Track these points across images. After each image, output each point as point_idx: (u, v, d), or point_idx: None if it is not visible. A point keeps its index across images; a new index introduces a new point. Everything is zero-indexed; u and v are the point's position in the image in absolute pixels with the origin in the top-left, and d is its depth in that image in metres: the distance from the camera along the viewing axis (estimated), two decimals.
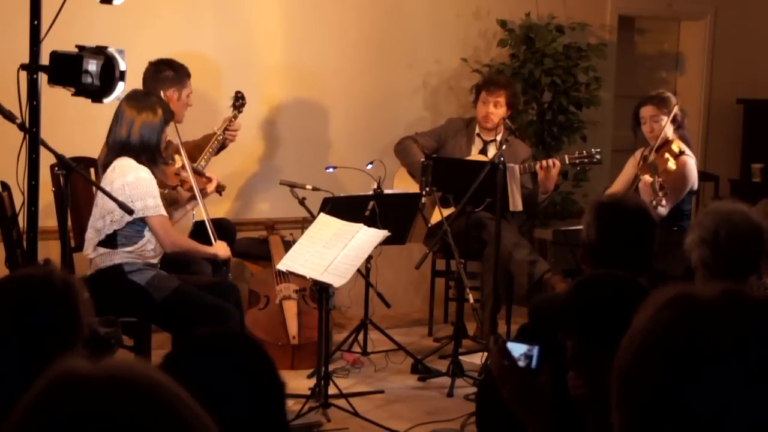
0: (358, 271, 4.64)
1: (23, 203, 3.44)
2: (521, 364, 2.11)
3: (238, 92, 5.37)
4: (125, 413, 0.96)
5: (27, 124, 3.38)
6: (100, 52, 3.46)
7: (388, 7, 6.46)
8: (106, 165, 4.43)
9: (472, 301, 4.90)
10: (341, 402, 4.51)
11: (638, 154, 5.49)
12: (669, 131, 5.33)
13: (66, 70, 3.39)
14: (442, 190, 5.29)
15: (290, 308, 5.42)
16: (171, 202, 4.75)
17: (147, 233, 4.39)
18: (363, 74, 6.41)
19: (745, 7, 7.81)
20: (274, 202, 6.08)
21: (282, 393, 1.68)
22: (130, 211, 4.12)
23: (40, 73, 3.37)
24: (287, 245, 5.29)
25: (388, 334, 5.36)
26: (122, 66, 3.49)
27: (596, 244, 3.17)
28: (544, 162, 5.59)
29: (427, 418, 4.55)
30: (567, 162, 5.68)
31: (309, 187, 5.20)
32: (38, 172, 3.40)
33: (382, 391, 4.96)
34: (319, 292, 4.55)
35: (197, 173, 4.92)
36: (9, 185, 4.17)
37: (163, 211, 4.40)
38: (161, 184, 4.60)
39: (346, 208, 4.83)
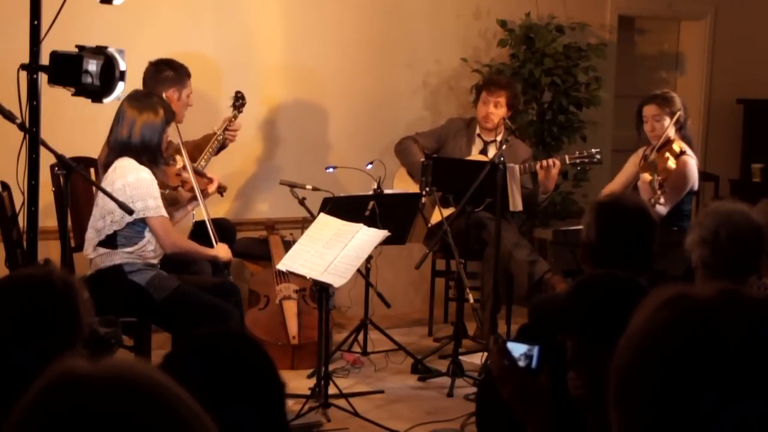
0: (358, 271, 4.64)
1: (23, 203, 3.44)
2: (521, 364, 2.11)
3: (238, 92, 5.37)
4: (125, 413, 0.96)
5: (27, 124, 3.38)
6: (100, 52, 3.46)
7: (388, 7, 6.46)
8: (107, 165, 4.43)
9: (472, 301, 4.90)
10: (341, 402, 4.51)
11: (640, 152, 5.49)
12: (671, 131, 5.33)
13: (66, 70, 3.39)
14: (442, 190, 5.29)
15: (290, 308, 5.42)
16: (172, 203, 4.75)
17: (147, 234, 4.39)
18: (363, 74, 6.41)
19: (745, 7, 7.81)
20: (274, 202, 6.08)
21: (282, 393, 1.68)
22: (130, 212, 4.12)
23: (40, 73, 3.37)
24: (287, 245, 5.29)
25: (388, 334, 5.36)
26: (122, 66, 3.49)
27: (596, 244, 3.17)
28: (544, 162, 5.59)
29: (427, 418, 4.55)
30: (567, 162, 5.68)
31: (309, 187, 5.20)
32: (38, 172, 3.40)
33: (382, 391, 4.96)
34: (319, 292, 4.55)
35: (198, 174, 4.92)
36: (9, 185, 4.17)
37: (164, 212, 4.40)
38: (162, 185, 4.60)
39: (346, 208, 4.83)
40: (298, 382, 4.91)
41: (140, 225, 4.37)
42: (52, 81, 3.41)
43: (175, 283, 4.38)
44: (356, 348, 5.55)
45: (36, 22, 3.36)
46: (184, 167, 4.78)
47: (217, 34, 5.96)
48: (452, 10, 6.66)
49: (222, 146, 5.33)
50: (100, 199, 4.37)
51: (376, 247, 4.62)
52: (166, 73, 5.03)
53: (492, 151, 5.69)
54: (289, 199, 5.13)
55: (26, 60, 3.38)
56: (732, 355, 1.08)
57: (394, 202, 5.17)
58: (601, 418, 1.17)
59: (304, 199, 5.06)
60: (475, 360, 5.25)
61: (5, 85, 3.52)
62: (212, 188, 4.93)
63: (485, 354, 5.08)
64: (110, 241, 4.37)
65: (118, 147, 4.40)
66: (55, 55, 3.38)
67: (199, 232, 4.89)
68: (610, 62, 7.05)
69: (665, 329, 1.12)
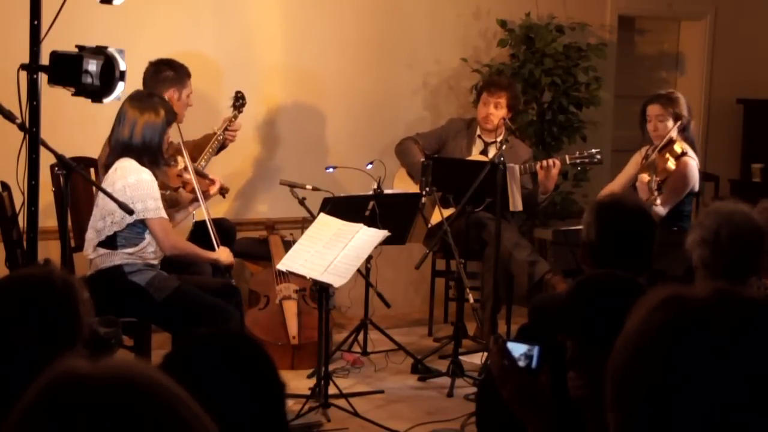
0: (358, 271, 4.64)
1: (23, 203, 3.44)
2: (521, 364, 2.11)
3: (238, 92, 5.37)
4: (125, 413, 0.96)
5: (27, 124, 3.38)
6: (100, 52, 3.46)
7: (388, 7, 6.46)
8: (108, 165, 4.43)
9: (472, 301, 4.90)
10: (341, 402, 4.51)
11: (642, 151, 5.49)
12: (673, 132, 5.33)
13: (66, 70, 3.39)
14: (442, 190, 5.29)
15: (290, 308, 5.42)
16: (172, 204, 4.75)
17: (147, 236, 4.38)
18: (363, 74, 6.42)
19: (745, 7, 7.81)
20: (274, 202, 6.08)
21: (282, 393, 1.68)
22: (130, 212, 4.12)
23: (40, 73, 3.37)
24: (287, 245, 5.29)
25: (388, 334, 5.36)
26: (122, 66, 3.49)
27: (596, 244, 3.17)
28: (544, 162, 5.59)
29: (427, 418, 4.55)
30: (567, 162, 5.68)
31: (309, 187, 5.20)
32: (38, 172, 3.40)
33: (382, 391, 4.96)
34: (319, 292, 4.55)
35: (200, 175, 4.91)
36: (9, 185, 4.17)
37: (164, 214, 4.39)
38: (163, 186, 4.60)
39: (346, 208, 4.83)
40: (298, 382, 4.91)
41: (140, 226, 4.37)
42: (52, 81, 3.41)
43: (175, 284, 4.38)
44: (356, 348, 5.55)
45: (36, 22, 3.36)
46: (186, 168, 4.78)
47: (217, 34, 5.96)
48: (452, 10, 6.66)
49: (222, 146, 5.33)
50: (101, 200, 4.37)
51: (376, 247, 4.62)
52: (166, 73, 5.03)
53: (492, 152, 5.69)
54: (289, 199, 5.13)
55: (26, 60, 3.38)
56: (727, 355, 1.08)
57: (394, 202, 5.17)
58: (601, 418, 1.17)
59: (304, 199, 5.06)
60: (475, 360, 5.25)
61: (5, 85, 3.52)
62: (214, 190, 4.92)
63: (485, 354, 5.08)
64: (110, 242, 4.36)
65: (119, 147, 4.40)
66: (55, 55, 3.38)
67: (199, 233, 4.89)
68: (610, 62, 7.05)
69: (661, 330, 1.12)
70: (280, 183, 5.28)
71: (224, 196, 5.26)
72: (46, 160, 3.66)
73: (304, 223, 5.38)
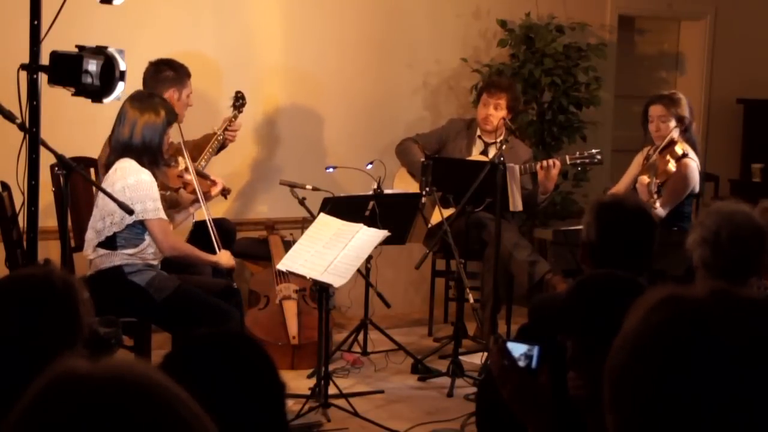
0: (358, 271, 4.64)
1: (23, 203, 3.44)
2: (521, 364, 2.11)
3: (238, 92, 5.37)
4: (125, 413, 0.96)
5: (27, 124, 3.38)
6: (100, 52, 3.46)
7: (388, 7, 6.46)
8: (108, 165, 4.43)
9: (472, 301, 4.90)
10: (341, 402, 4.51)
11: (645, 152, 5.50)
12: (675, 133, 5.33)
13: (66, 70, 3.39)
14: (442, 190, 5.28)
15: (290, 308, 5.42)
16: (172, 205, 4.74)
17: (147, 237, 4.38)
18: (363, 74, 6.42)
19: (745, 7, 7.81)
20: (274, 202, 6.08)
21: (282, 393, 1.68)
22: (130, 212, 4.11)
23: (40, 73, 3.37)
24: (287, 245, 5.29)
25: (388, 334, 5.36)
26: (122, 66, 3.49)
27: (596, 244, 3.17)
28: (544, 162, 5.59)
29: (427, 418, 4.55)
30: (568, 162, 5.68)
31: (309, 187, 5.20)
32: (38, 172, 3.39)
33: (382, 391, 4.96)
34: (319, 292, 4.55)
35: (202, 176, 4.90)
36: (9, 185, 4.17)
37: (163, 215, 4.38)
38: (163, 186, 4.60)
39: (346, 208, 4.83)
40: (298, 382, 4.91)
41: (140, 227, 4.36)
42: (52, 81, 3.41)
43: (175, 284, 4.38)
44: (356, 348, 5.55)
45: (36, 22, 3.36)
46: (186, 169, 4.76)
47: (217, 34, 5.96)
48: (452, 10, 6.66)
49: (222, 146, 5.33)
50: (101, 200, 4.37)
51: (376, 247, 4.62)
52: (166, 73, 5.03)
53: (493, 153, 5.68)
54: (289, 199, 5.13)
55: (26, 60, 3.38)
56: (725, 355, 1.08)
57: (394, 202, 5.17)
58: (601, 418, 1.17)
59: (304, 199, 5.06)
60: (475, 360, 5.25)
61: (5, 85, 3.51)
62: (215, 191, 4.90)
63: (485, 354, 5.08)
64: (110, 243, 4.36)
65: (119, 147, 4.40)
66: (55, 55, 3.38)
67: (199, 233, 4.88)
68: (610, 62, 7.05)
69: (659, 330, 1.12)
70: (280, 183, 5.28)
71: (226, 198, 5.25)
72: (46, 160, 3.66)
73: (304, 223, 5.38)
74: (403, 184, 5.88)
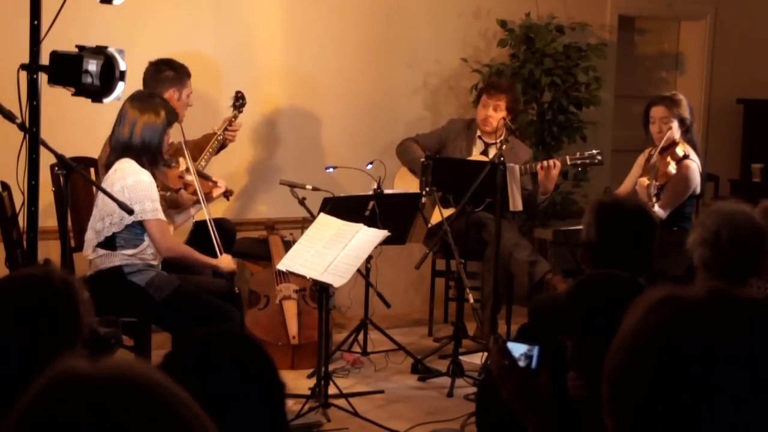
0: (358, 271, 4.64)
1: (23, 203, 3.44)
2: (521, 364, 2.11)
3: (238, 92, 5.37)
4: (125, 413, 0.96)
5: (27, 124, 3.38)
6: (100, 52, 3.46)
7: (388, 7, 6.46)
8: (109, 165, 4.43)
9: (472, 301, 4.90)
10: (341, 402, 4.51)
11: (646, 153, 5.50)
12: (676, 134, 5.33)
13: (66, 70, 3.39)
14: (442, 190, 5.28)
15: (290, 308, 5.42)
16: (172, 205, 4.74)
17: (147, 237, 4.38)
18: (363, 74, 6.41)
19: (745, 7, 7.81)
20: (274, 202, 6.08)
21: (282, 393, 1.68)
22: (130, 211, 4.11)
23: (40, 73, 3.37)
24: (287, 245, 5.29)
25: (388, 334, 5.36)
26: (122, 66, 3.49)
27: (596, 244, 3.17)
28: (544, 162, 5.59)
29: (427, 418, 4.55)
30: (568, 163, 5.68)
31: (309, 187, 5.20)
32: (38, 172, 3.39)
33: (382, 391, 4.96)
34: (319, 292, 4.55)
35: (203, 177, 4.89)
36: (9, 185, 4.17)
37: (161, 215, 4.37)
38: (163, 187, 4.59)
39: (346, 208, 4.83)
40: (298, 382, 4.92)
41: (139, 228, 4.36)
42: (52, 81, 3.41)
43: (175, 284, 4.37)
44: (356, 348, 5.55)
45: (36, 22, 3.36)
46: (187, 170, 4.75)
47: (217, 34, 5.96)
48: (452, 10, 6.66)
49: (222, 146, 5.33)
50: (100, 200, 4.37)
51: (376, 247, 4.62)
52: (166, 73, 5.03)
53: (493, 153, 5.68)
54: (289, 199, 5.13)
55: (26, 60, 3.38)
56: (723, 355, 1.08)
57: (394, 202, 5.17)
58: (601, 418, 1.17)
59: (304, 199, 5.06)
60: (475, 360, 5.25)
61: (5, 85, 3.51)
62: (217, 192, 4.89)
63: (485, 354, 5.08)
64: (109, 243, 4.36)
65: (119, 147, 4.40)
66: (55, 55, 3.38)
67: (200, 233, 4.88)
68: (610, 62, 7.05)
69: (657, 330, 1.12)
70: (280, 183, 5.28)
71: (228, 199, 5.24)
72: (46, 160, 3.66)
73: (304, 223, 5.38)
74: (404, 183, 5.88)
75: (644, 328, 1.13)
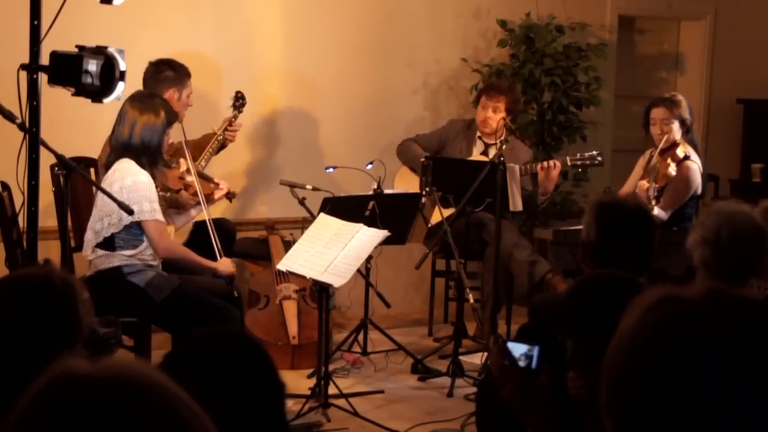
0: (358, 271, 4.64)
1: (23, 203, 3.44)
2: (521, 364, 2.10)
3: (238, 92, 5.37)
4: (124, 413, 0.95)
5: (27, 124, 3.38)
6: (100, 52, 3.46)
7: (388, 8, 6.46)
8: (108, 165, 4.43)
9: (472, 301, 4.89)
10: (341, 402, 4.51)
11: (647, 154, 5.50)
12: (677, 134, 5.33)
13: (66, 70, 3.39)
14: (442, 190, 5.28)
15: (290, 308, 5.42)
16: (172, 205, 4.73)
17: (146, 238, 4.38)
18: (363, 74, 6.41)
19: (745, 7, 7.81)
20: (274, 202, 6.08)
21: (282, 393, 1.68)
22: (130, 211, 4.11)
23: (40, 73, 3.37)
24: (287, 245, 5.29)
25: (388, 334, 5.36)
26: (122, 66, 3.49)
27: (596, 244, 3.17)
28: (544, 163, 5.59)
29: (427, 418, 4.55)
30: (568, 164, 5.69)
31: (309, 187, 5.20)
32: (38, 172, 3.39)
33: (382, 391, 4.96)
34: (319, 292, 4.55)
35: (205, 178, 4.88)
36: (9, 185, 4.17)
37: (159, 216, 4.36)
38: (163, 187, 4.59)
39: (346, 208, 4.83)
40: (298, 382, 4.91)
41: (138, 229, 4.35)
42: (52, 81, 3.41)
43: (174, 284, 4.37)
44: (356, 348, 5.55)
45: (36, 22, 3.36)
46: (188, 170, 4.74)
47: (217, 34, 5.96)
48: (452, 10, 6.66)
49: (222, 146, 5.32)
50: (99, 201, 4.37)
51: (376, 247, 4.62)
52: (166, 73, 5.03)
53: (493, 154, 5.68)
54: (289, 199, 5.13)
55: (26, 60, 3.38)
56: (721, 355, 1.08)
57: (394, 202, 5.17)
58: (601, 418, 1.17)
59: (304, 199, 5.06)
60: (475, 360, 5.25)
61: (5, 85, 3.51)
62: (219, 194, 4.88)
63: (485, 354, 5.08)
64: (108, 244, 4.36)
65: (119, 147, 4.40)
66: (55, 55, 3.38)
67: (200, 233, 4.87)
68: (610, 62, 7.05)
69: (654, 331, 1.12)
70: (280, 183, 5.28)
71: (231, 201, 5.24)
72: (46, 160, 3.66)
73: (304, 223, 5.38)
74: (404, 183, 5.88)
75: (642, 328, 1.13)
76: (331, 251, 4.44)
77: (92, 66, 3.39)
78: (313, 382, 4.79)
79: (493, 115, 5.74)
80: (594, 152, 5.69)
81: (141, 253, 4.37)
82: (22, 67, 3.38)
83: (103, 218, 4.35)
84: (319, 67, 6.28)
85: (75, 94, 3.45)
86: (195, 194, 4.74)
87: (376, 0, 6.42)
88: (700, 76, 7.78)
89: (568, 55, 6.59)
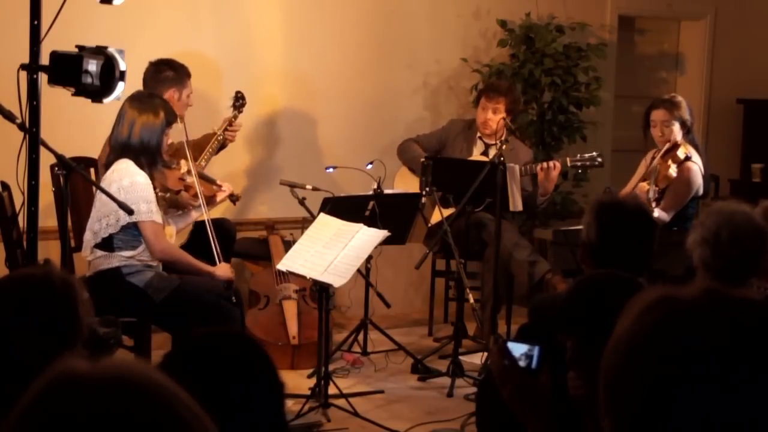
0: (358, 271, 4.64)
1: (23, 203, 3.44)
2: (521, 364, 2.11)
3: (238, 92, 5.37)
4: (124, 413, 0.95)
5: (27, 124, 3.38)
6: (100, 52, 3.46)
7: (388, 7, 6.46)
8: (108, 165, 4.42)
9: (472, 301, 4.90)
10: (341, 402, 4.51)
11: (648, 156, 5.50)
12: (678, 136, 5.33)
13: (66, 70, 3.39)
14: (442, 190, 5.28)
15: (290, 308, 5.42)
16: (171, 205, 4.73)
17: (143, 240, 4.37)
18: (363, 74, 6.41)
19: (745, 7, 7.81)
20: (274, 202, 6.08)
21: (282, 393, 1.68)
22: (130, 211, 4.10)
23: (40, 73, 3.37)
24: (287, 245, 5.29)
25: (388, 334, 5.36)
26: (122, 66, 3.49)
27: (596, 244, 3.17)
28: (544, 163, 5.59)
29: (427, 418, 4.55)
30: (568, 165, 5.69)
31: (309, 187, 5.20)
32: (38, 172, 3.39)
33: (382, 391, 4.96)
34: (319, 292, 4.55)
35: (207, 180, 4.87)
36: (9, 185, 4.17)
37: (156, 217, 4.35)
38: (162, 188, 4.58)
39: (346, 208, 4.83)
40: (298, 382, 4.91)
41: (136, 230, 4.35)
42: (52, 81, 3.41)
43: (174, 284, 4.36)
44: (356, 348, 5.55)
45: (36, 22, 3.36)
46: (189, 171, 4.73)
47: (217, 34, 5.96)
48: (452, 10, 6.66)
49: (222, 146, 5.32)
50: (98, 201, 4.36)
51: (376, 247, 4.62)
52: (166, 73, 5.03)
53: (493, 154, 5.68)
54: (289, 199, 5.13)
55: (26, 60, 3.38)
56: (719, 355, 1.08)
57: (394, 202, 5.17)
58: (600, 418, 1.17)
59: (304, 199, 5.06)
60: (475, 360, 5.25)
61: (5, 85, 3.51)
62: (221, 196, 4.86)
63: (485, 354, 5.08)
64: (107, 244, 4.35)
65: (118, 147, 4.40)
66: (55, 55, 3.38)
67: (200, 233, 4.86)
68: (610, 62, 7.05)
69: (652, 332, 1.12)
70: (280, 183, 5.28)
71: (235, 203, 5.22)
72: (46, 160, 3.66)
73: (304, 223, 5.38)
74: (404, 183, 5.88)
75: (640, 328, 1.13)
76: (331, 251, 4.44)
77: (92, 66, 3.39)
78: (313, 382, 4.79)
79: (493, 117, 5.74)
80: (594, 153, 5.69)
81: (140, 254, 4.36)
82: (22, 67, 3.38)
83: (101, 219, 4.35)
84: (319, 67, 6.28)
85: (75, 94, 3.45)
86: (195, 196, 4.72)
87: (376, 0, 6.42)
88: (700, 76, 7.78)
89: (568, 55, 6.59)
